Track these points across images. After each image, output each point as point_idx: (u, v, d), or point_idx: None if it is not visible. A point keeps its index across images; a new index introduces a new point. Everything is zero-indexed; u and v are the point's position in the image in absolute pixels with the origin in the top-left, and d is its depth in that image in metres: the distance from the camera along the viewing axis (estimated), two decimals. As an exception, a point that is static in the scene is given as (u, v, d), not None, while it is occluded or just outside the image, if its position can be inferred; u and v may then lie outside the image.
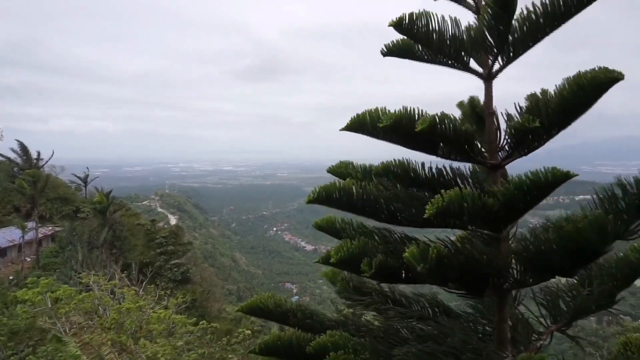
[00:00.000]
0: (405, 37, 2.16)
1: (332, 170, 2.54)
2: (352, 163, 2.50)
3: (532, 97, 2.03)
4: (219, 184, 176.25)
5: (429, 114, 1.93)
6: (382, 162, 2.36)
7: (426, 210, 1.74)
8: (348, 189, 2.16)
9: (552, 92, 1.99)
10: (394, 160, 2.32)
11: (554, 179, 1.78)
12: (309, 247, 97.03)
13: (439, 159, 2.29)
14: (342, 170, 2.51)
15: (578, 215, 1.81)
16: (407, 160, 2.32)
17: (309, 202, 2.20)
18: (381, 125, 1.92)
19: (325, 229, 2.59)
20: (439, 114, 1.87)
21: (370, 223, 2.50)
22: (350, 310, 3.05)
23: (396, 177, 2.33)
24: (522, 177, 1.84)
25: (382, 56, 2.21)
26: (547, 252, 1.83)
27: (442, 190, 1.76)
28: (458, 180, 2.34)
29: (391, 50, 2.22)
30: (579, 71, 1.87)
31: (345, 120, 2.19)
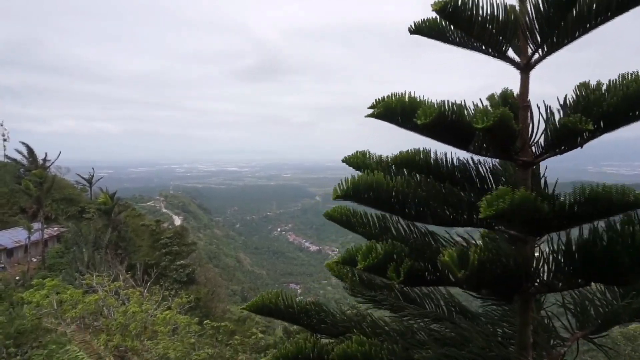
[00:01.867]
0: (437, 17, 1.94)
1: (347, 160, 2.34)
2: (368, 152, 2.30)
3: (581, 86, 1.88)
4: (223, 185, 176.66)
5: (484, 108, 1.75)
6: (404, 152, 2.18)
7: (481, 211, 1.52)
8: (379, 184, 1.94)
9: (605, 88, 1.81)
10: (417, 150, 2.15)
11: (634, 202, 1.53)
12: (313, 248, 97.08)
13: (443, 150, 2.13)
14: (358, 160, 2.31)
15: None
16: (429, 150, 2.15)
17: (336, 197, 2.02)
18: (420, 122, 1.71)
19: (335, 219, 2.40)
20: (500, 109, 1.63)
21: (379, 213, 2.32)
22: (355, 311, 2.91)
23: (418, 169, 2.16)
24: (595, 188, 1.61)
25: (409, 33, 2.01)
26: (601, 256, 1.65)
27: (496, 190, 1.55)
28: (486, 177, 2.21)
29: (420, 29, 2.00)
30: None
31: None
